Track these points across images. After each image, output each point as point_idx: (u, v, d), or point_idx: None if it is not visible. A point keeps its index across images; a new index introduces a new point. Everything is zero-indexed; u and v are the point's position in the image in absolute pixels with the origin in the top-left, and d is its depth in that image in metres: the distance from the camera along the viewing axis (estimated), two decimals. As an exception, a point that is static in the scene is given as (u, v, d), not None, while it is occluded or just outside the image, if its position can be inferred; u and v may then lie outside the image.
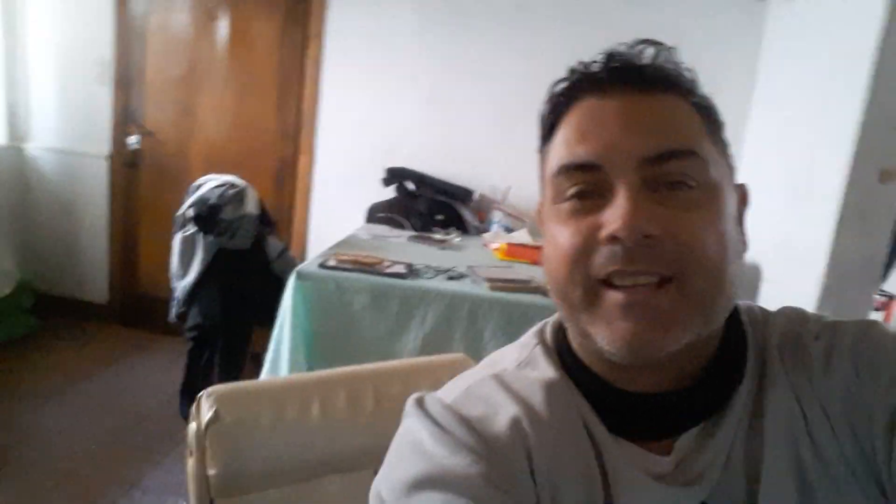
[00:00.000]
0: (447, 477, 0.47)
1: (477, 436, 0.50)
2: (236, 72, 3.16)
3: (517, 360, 0.58)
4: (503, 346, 0.63)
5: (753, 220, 0.58)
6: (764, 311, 0.58)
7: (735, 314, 0.55)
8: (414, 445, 0.51)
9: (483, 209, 2.95)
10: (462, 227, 2.76)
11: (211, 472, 0.79)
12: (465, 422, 0.52)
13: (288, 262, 2.46)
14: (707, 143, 0.51)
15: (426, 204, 2.79)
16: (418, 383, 0.92)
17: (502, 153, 2.98)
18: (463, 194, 2.88)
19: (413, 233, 2.57)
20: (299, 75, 3.10)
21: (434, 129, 3.03)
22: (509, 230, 2.74)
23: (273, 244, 2.52)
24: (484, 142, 3.01)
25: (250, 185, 2.45)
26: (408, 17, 2.95)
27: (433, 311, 1.72)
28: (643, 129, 0.48)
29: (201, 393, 0.83)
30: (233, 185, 2.35)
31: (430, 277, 1.83)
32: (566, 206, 0.51)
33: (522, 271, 2.00)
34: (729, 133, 0.54)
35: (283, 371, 1.67)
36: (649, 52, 0.51)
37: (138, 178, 3.31)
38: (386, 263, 1.86)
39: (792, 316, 0.57)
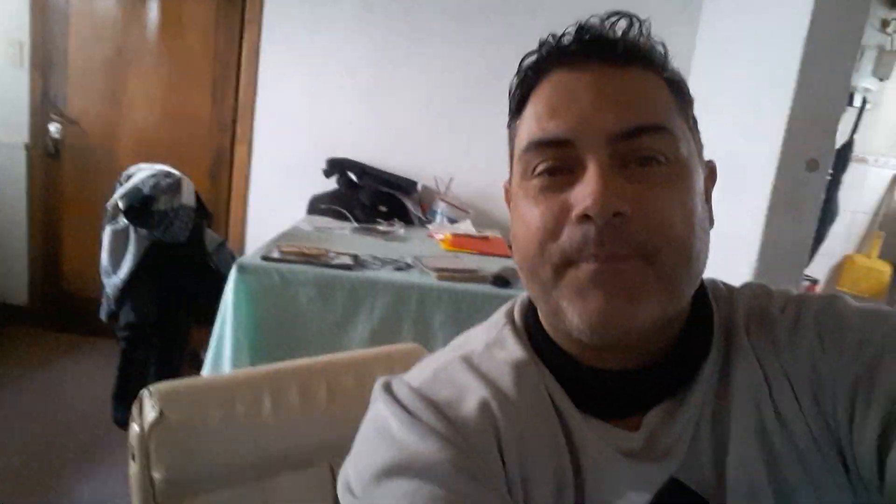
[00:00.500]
0: (416, 464, 0.46)
1: (445, 420, 0.49)
2: (168, 57, 3.00)
3: (486, 341, 0.58)
4: (453, 335, 0.62)
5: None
6: (728, 287, 0.59)
7: (701, 290, 0.56)
8: (382, 431, 0.50)
9: (426, 200, 2.93)
10: (406, 219, 2.74)
11: (156, 476, 0.75)
12: (434, 405, 0.51)
13: (227, 256, 2.37)
14: (678, 118, 0.51)
15: (369, 195, 2.75)
16: (372, 374, 0.89)
17: (445, 144, 2.98)
18: (406, 185, 2.85)
19: (357, 224, 2.53)
20: (236, 62, 2.97)
21: (376, 120, 2.98)
22: (453, 221, 2.74)
23: (211, 237, 2.42)
24: (426, 132, 2.99)
25: (186, 176, 2.34)
26: (348, 3, 2.89)
27: (381, 302, 1.70)
28: (615, 104, 0.48)
29: (142, 392, 0.78)
30: (168, 175, 2.23)
31: (377, 268, 1.80)
32: (535, 182, 0.50)
33: (470, 261, 2.00)
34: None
35: (226, 370, 1.61)
36: (621, 24, 0.51)
37: (61, 169, 3.10)
38: (331, 255, 1.82)
39: (757, 291, 0.58)
